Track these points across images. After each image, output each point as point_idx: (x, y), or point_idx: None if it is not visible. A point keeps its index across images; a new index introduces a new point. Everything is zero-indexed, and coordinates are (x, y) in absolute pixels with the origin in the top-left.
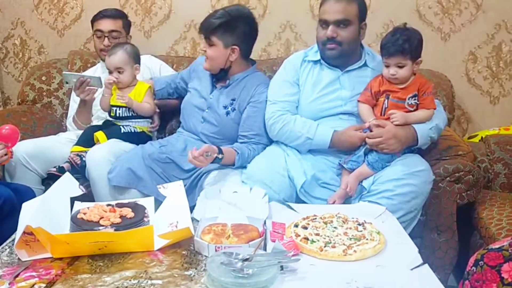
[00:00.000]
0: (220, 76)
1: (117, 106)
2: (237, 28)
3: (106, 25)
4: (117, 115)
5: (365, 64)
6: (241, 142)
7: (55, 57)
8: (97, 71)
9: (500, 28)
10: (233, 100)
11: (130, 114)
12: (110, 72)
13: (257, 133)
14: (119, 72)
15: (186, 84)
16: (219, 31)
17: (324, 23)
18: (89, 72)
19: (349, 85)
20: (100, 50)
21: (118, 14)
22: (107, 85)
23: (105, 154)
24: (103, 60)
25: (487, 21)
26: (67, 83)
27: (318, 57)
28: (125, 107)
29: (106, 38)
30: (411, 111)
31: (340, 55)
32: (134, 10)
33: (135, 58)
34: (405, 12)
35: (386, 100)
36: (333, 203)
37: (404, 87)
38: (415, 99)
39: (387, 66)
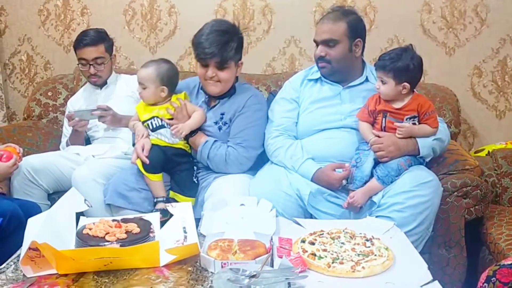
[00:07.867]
0: (222, 96)
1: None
2: (238, 42)
3: (89, 53)
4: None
5: (367, 80)
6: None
7: (61, 72)
8: (81, 99)
9: (505, 43)
10: (222, 114)
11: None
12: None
13: (245, 139)
14: (143, 88)
15: None
16: (231, 53)
17: (315, 43)
18: (75, 98)
19: (350, 100)
20: (88, 77)
21: (99, 38)
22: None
23: (87, 174)
24: (95, 84)
25: (491, 36)
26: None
27: (318, 75)
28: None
29: (91, 66)
30: None
31: (332, 72)
32: (140, 26)
33: (164, 80)
34: (410, 27)
35: (384, 119)
36: (348, 205)
37: (400, 108)
38: (413, 120)
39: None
